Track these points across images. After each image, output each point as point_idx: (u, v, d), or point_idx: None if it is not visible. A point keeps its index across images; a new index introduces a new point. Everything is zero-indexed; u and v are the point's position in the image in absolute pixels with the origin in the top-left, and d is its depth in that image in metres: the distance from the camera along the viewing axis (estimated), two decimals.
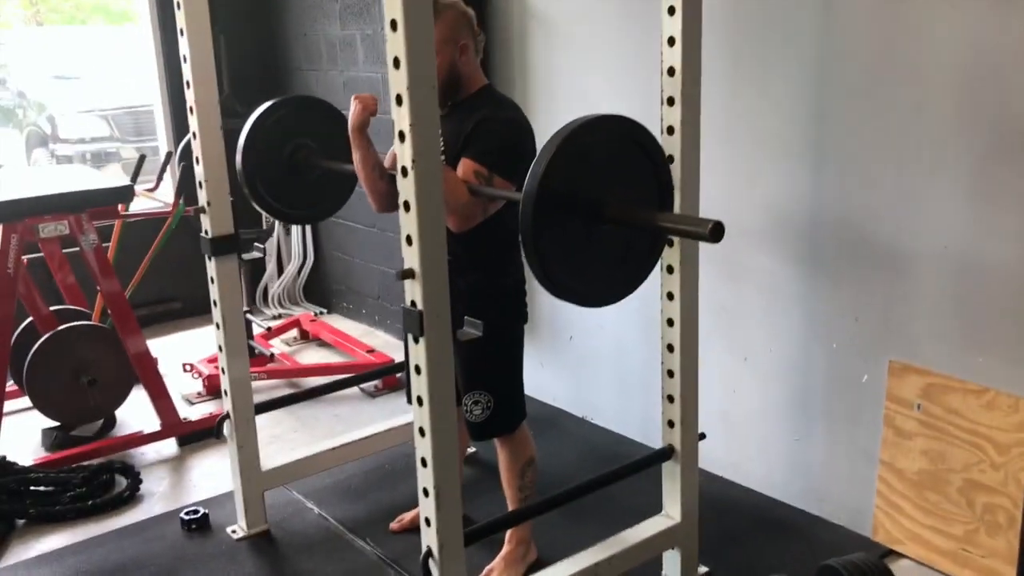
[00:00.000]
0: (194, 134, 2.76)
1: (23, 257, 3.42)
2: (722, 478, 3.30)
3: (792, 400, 3.05)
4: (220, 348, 2.92)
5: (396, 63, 1.89)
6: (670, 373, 2.57)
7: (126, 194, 3.57)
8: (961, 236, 2.52)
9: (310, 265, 5.38)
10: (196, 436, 3.77)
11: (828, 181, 2.81)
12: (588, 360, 3.79)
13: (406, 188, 1.93)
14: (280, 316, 5.28)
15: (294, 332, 4.96)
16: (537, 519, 2.92)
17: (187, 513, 3.13)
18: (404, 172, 1.93)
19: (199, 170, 2.79)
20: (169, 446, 3.77)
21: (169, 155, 4.29)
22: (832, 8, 2.71)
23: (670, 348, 2.55)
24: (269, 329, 4.69)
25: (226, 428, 2.99)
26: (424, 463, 2.09)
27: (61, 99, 8.67)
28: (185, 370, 4.37)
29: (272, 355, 4.40)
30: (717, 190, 3.11)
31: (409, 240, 1.97)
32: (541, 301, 3.92)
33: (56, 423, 3.80)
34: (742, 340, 3.16)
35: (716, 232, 1.93)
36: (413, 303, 2.00)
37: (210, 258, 2.83)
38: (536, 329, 3.98)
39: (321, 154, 3.04)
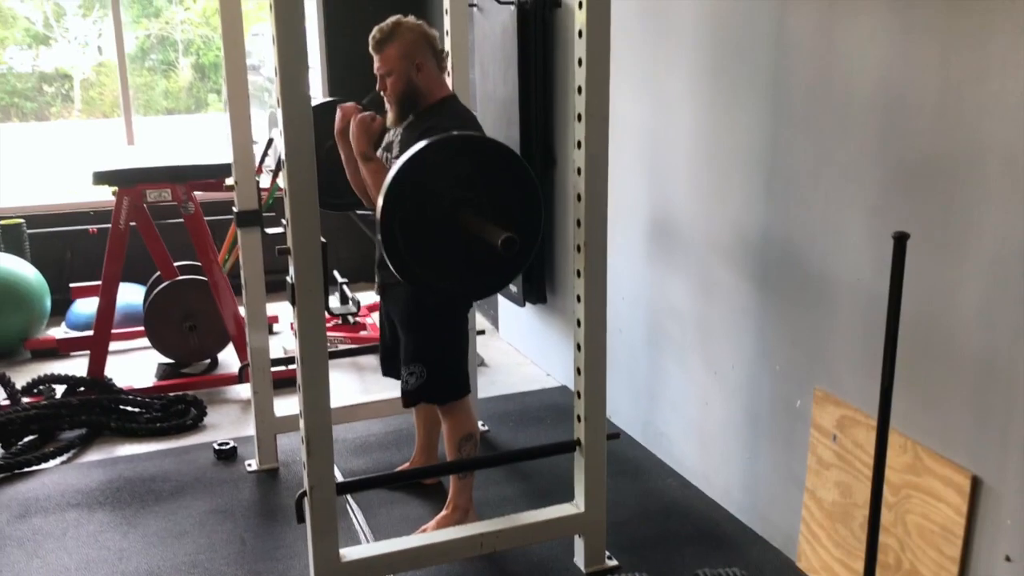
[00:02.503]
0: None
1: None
2: (693, 486, 3.38)
3: (746, 418, 3.08)
4: (244, 305, 3.44)
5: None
6: (578, 371, 2.74)
7: (224, 170, 4.19)
8: (871, 270, 2.49)
9: None
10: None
11: (776, 202, 2.83)
12: (612, 363, 3.91)
13: (284, 179, 2.31)
14: None
15: None
16: (493, 488, 3.23)
17: (220, 444, 3.69)
18: (282, 166, 2.30)
19: (231, 154, 3.30)
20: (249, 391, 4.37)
21: (271, 141, 4.88)
22: (784, 28, 2.74)
23: (578, 347, 2.73)
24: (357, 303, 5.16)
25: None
26: (301, 415, 2.45)
27: None
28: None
29: (358, 323, 4.91)
30: (695, 204, 3.24)
31: (286, 223, 2.34)
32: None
33: (169, 360, 4.53)
34: (713, 355, 3.22)
35: (506, 245, 2.20)
36: (291, 277, 2.37)
37: (239, 228, 3.35)
38: (571, 324, 4.17)
39: None
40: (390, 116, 2.92)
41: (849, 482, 2.64)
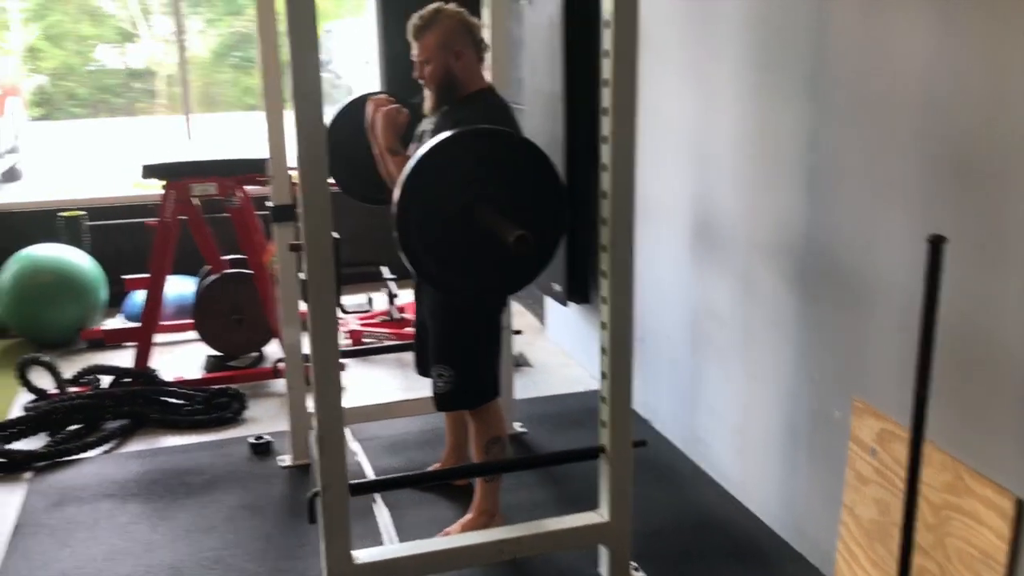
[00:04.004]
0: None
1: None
2: (732, 497, 3.25)
3: (785, 428, 2.95)
4: (278, 298, 3.43)
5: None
6: (603, 375, 2.65)
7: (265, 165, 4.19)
8: (912, 276, 2.33)
9: None
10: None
11: (816, 202, 2.69)
12: (654, 365, 3.84)
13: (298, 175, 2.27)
14: None
15: None
16: (524, 491, 3.19)
17: (255, 439, 3.69)
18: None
19: (267, 149, 3.29)
20: None
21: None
22: (824, 19, 2.60)
23: (603, 350, 2.63)
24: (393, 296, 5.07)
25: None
26: (314, 413, 2.41)
27: (364, 82, 9.86)
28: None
29: (403, 319, 4.87)
30: (737, 202, 3.12)
31: (298, 218, 2.30)
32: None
33: (217, 352, 4.57)
34: (754, 360, 3.09)
35: (518, 243, 2.12)
36: (303, 273, 2.33)
37: (274, 223, 3.35)
38: None
39: None
40: (427, 103, 2.85)
41: (888, 500, 2.49)
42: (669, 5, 3.47)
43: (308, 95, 2.20)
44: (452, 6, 2.81)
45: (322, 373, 2.36)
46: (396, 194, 2.28)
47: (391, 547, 2.64)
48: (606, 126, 2.44)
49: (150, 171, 4.10)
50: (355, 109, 3.35)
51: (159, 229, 4.12)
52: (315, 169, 2.24)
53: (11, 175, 10.83)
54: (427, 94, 2.84)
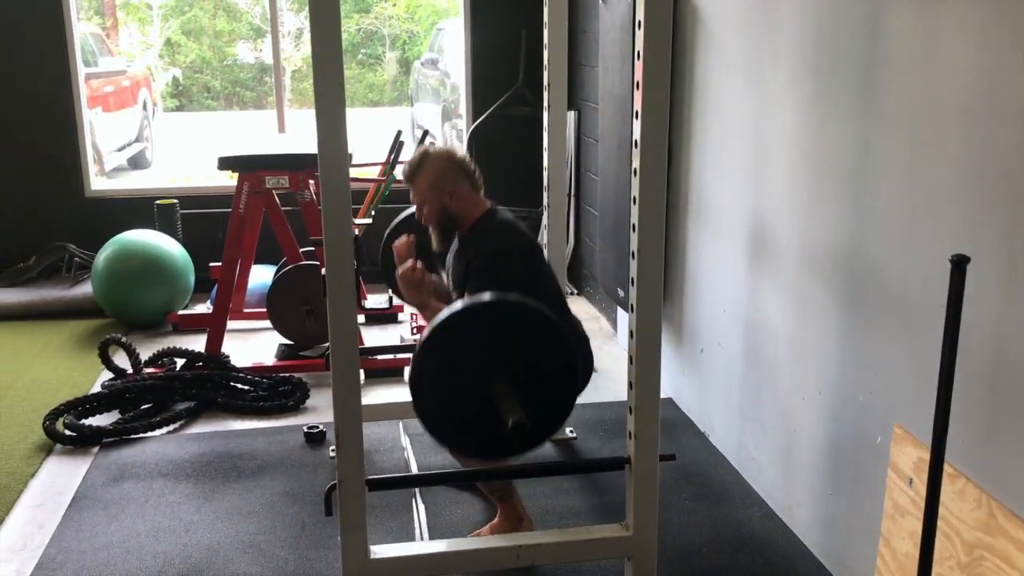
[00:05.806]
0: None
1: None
2: (777, 518, 3.12)
3: (829, 450, 2.81)
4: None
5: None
6: (630, 384, 2.58)
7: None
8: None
9: (570, 248, 5.75)
10: (379, 372, 4.39)
11: (864, 216, 2.55)
12: (712, 377, 3.73)
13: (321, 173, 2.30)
14: None
15: None
16: (563, 497, 3.19)
17: (309, 428, 3.76)
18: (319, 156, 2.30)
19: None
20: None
21: (399, 133, 4.88)
22: (878, 25, 2.46)
23: (631, 359, 2.56)
24: None
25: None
26: (335, 408, 2.44)
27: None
28: (411, 319, 5.04)
29: None
30: (791, 212, 3.00)
31: (321, 213, 2.33)
32: (683, 309, 3.93)
33: (289, 341, 4.68)
34: (802, 378, 2.95)
35: (513, 428, 2.21)
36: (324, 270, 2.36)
37: None
38: (680, 335, 3.98)
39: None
40: (433, 240, 2.98)
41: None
42: (733, 4, 3.36)
43: (330, 86, 2.23)
44: (438, 146, 2.98)
45: (340, 368, 2.39)
46: (409, 368, 2.40)
47: (408, 544, 2.64)
48: (637, 130, 2.37)
49: (225, 163, 4.24)
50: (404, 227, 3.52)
51: (232, 219, 4.25)
52: (335, 164, 2.27)
53: (139, 162, 11.41)
54: (432, 231, 2.97)
